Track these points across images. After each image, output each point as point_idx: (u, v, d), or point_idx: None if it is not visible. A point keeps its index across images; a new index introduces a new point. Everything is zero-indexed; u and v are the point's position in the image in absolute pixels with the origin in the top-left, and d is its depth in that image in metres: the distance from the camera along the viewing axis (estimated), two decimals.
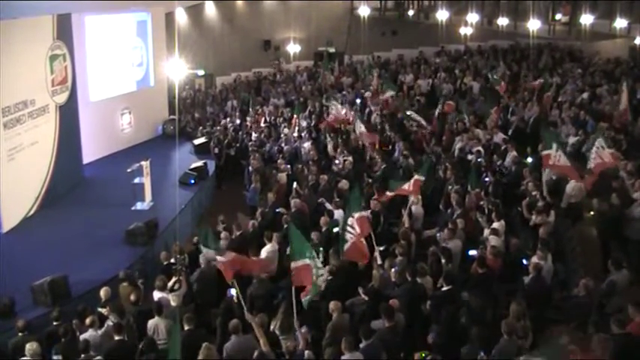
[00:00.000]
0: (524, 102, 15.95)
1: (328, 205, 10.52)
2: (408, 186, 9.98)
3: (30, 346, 6.79)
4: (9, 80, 11.52)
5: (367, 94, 18.23)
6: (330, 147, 14.22)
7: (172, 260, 9.14)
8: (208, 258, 8.55)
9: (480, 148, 12.72)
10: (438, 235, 9.29)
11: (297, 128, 15.87)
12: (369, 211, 9.67)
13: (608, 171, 10.55)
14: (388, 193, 10.33)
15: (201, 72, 22.85)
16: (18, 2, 11.10)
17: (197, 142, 16.79)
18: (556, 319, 7.29)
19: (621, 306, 6.74)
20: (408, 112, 15.49)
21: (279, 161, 13.72)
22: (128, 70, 17.40)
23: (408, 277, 7.56)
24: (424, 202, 10.42)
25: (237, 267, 7.88)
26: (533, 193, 10.06)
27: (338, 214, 10.08)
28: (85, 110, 15.00)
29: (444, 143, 14.09)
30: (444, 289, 7.43)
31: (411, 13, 28.89)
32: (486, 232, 8.99)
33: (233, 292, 7.90)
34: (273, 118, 17.58)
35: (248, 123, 17.29)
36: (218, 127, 17.40)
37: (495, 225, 9.00)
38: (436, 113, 16.16)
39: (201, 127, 17.97)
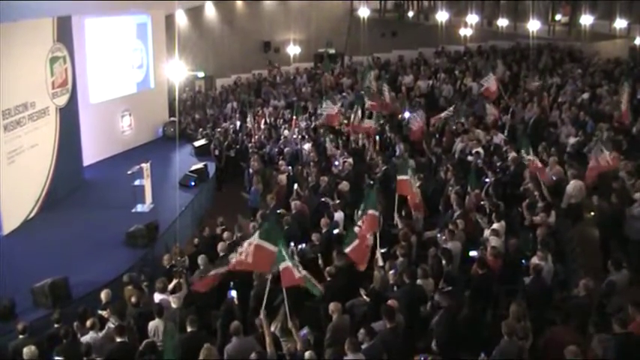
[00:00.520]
0: (523, 102, 15.93)
1: (331, 204, 10.49)
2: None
3: (28, 350, 6.79)
4: (9, 83, 11.55)
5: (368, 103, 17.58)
6: (329, 148, 14.22)
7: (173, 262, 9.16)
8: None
9: (480, 149, 12.72)
10: (438, 236, 9.28)
11: (296, 130, 15.89)
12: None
13: (608, 171, 10.55)
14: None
15: (201, 74, 22.83)
16: (18, 4, 11.13)
17: (197, 144, 16.80)
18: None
19: (621, 306, 6.73)
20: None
21: (279, 163, 13.72)
22: (128, 72, 17.43)
23: (406, 279, 7.52)
24: (424, 203, 10.40)
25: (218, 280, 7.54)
26: (535, 193, 10.05)
27: (338, 215, 10.07)
28: (85, 112, 15.03)
29: (444, 144, 14.09)
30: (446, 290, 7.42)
31: (410, 14, 28.81)
32: (486, 232, 8.98)
33: (233, 293, 7.89)
34: (273, 119, 17.60)
35: (248, 125, 17.31)
36: (218, 129, 17.41)
37: (495, 226, 8.98)
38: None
39: (201, 129, 17.96)
